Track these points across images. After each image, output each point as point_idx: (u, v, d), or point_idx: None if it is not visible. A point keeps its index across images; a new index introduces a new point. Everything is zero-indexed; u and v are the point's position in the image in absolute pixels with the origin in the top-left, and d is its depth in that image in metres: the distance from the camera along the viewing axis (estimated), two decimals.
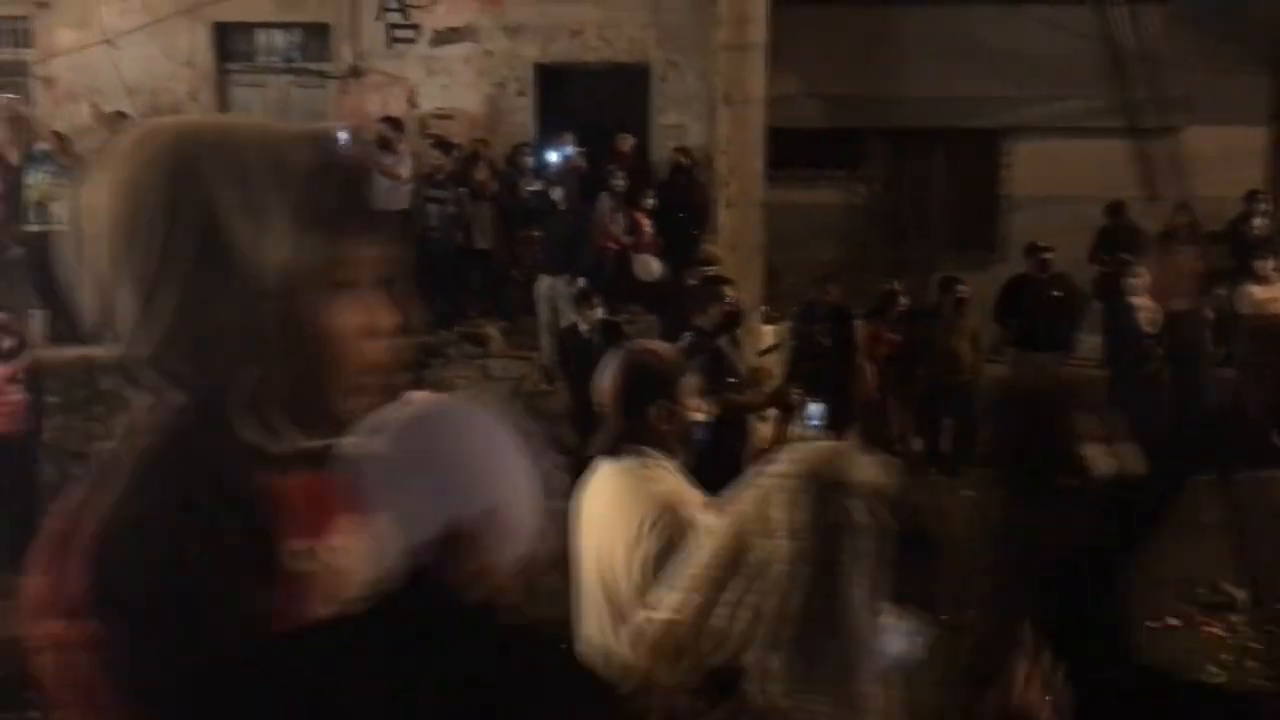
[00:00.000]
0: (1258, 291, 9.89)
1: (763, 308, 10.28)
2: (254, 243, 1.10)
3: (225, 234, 1.10)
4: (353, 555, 1.14)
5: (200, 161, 1.11)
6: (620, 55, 11.78)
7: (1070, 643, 1.87)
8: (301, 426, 1.13)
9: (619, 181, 11.07)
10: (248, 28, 11.68)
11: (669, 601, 1.83)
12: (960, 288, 10.15)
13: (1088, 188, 12.03)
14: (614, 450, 2.68)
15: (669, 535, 2.45)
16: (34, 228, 10.43)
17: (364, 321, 1.17)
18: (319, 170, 1.14)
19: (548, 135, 11.40)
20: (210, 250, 1.10)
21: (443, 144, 11.16)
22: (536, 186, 11.02)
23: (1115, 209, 11.70)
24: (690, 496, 2.58)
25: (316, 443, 1.15)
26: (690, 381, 2.81)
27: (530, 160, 11.26)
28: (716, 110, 11.37)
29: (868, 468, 1.71)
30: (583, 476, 2.75)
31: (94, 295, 1.13)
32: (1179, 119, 12.21)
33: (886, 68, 12.51)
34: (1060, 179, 12.56)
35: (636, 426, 2.66)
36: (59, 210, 10.44)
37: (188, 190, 1.10)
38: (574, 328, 9.81)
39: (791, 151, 11.59)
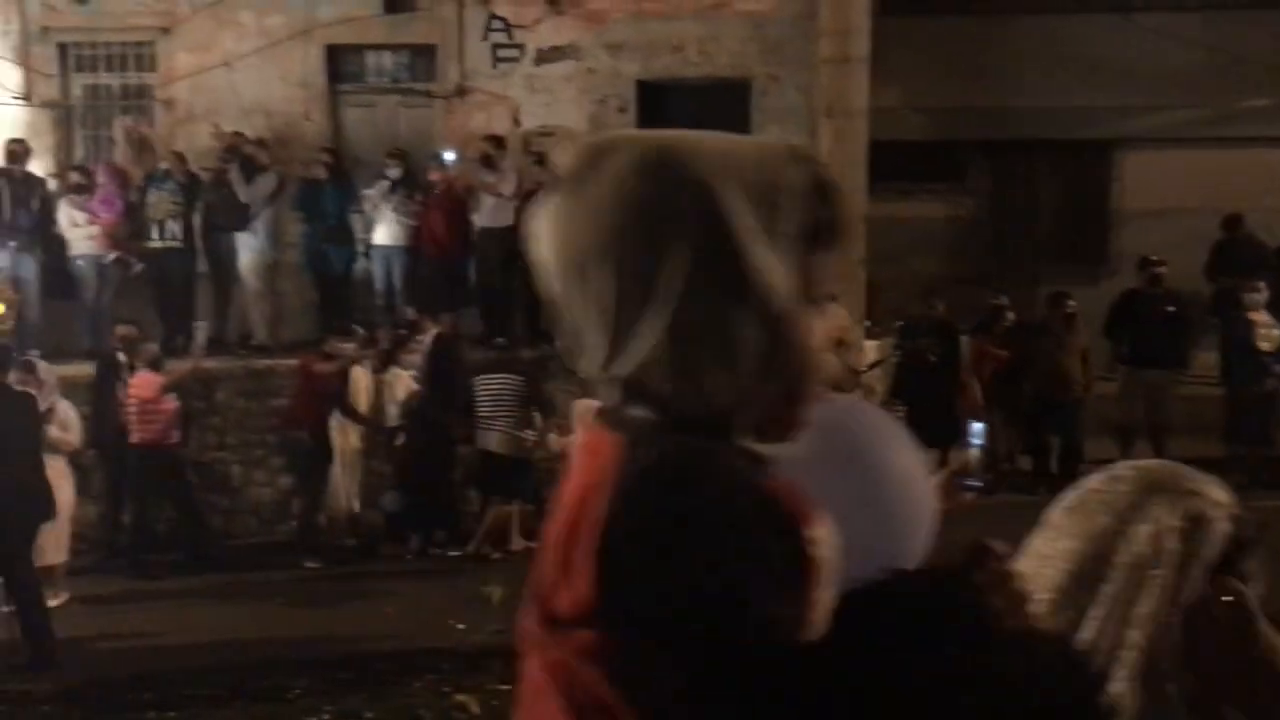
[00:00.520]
0: None
1: (865, 322, 10.19)
2: (759, 260, 1.08)
3: (731, 252, 1.08)
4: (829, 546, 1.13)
5: (692, 178, 1.09)
6: (721, 70, 11.80)
7: None
8: (764, 435, 1.13)
9: None
10: (358, 50, 11.99)
11: None
12: (1069, 303, 9.94)
13: (1202, 200, 11.68)
14: None
15: None
16: (155, 244, 10.84)
17: (828, 333, 1.20)
18: (807, 185, 1.12)
19: None
20: (714, 268, 1.08)
21: (545, 161, 11.29)
22: None
23: (1232, 222, 11.34)
24: None
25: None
26: None
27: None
28: (818, 124, 11.34)
29: (1211, 483, 1.62)
30: None
31: (557, 317, 1.13)
32: None
33: (991, 79, 12.33)
34: (1173, 191, 12.21)
35: None
36: (177, 228, 10.85)
37: (686, 208, 1.08)
38: None
39: (894, 165, 11.47)
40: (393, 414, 9.42)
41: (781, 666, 1.01)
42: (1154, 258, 10.36)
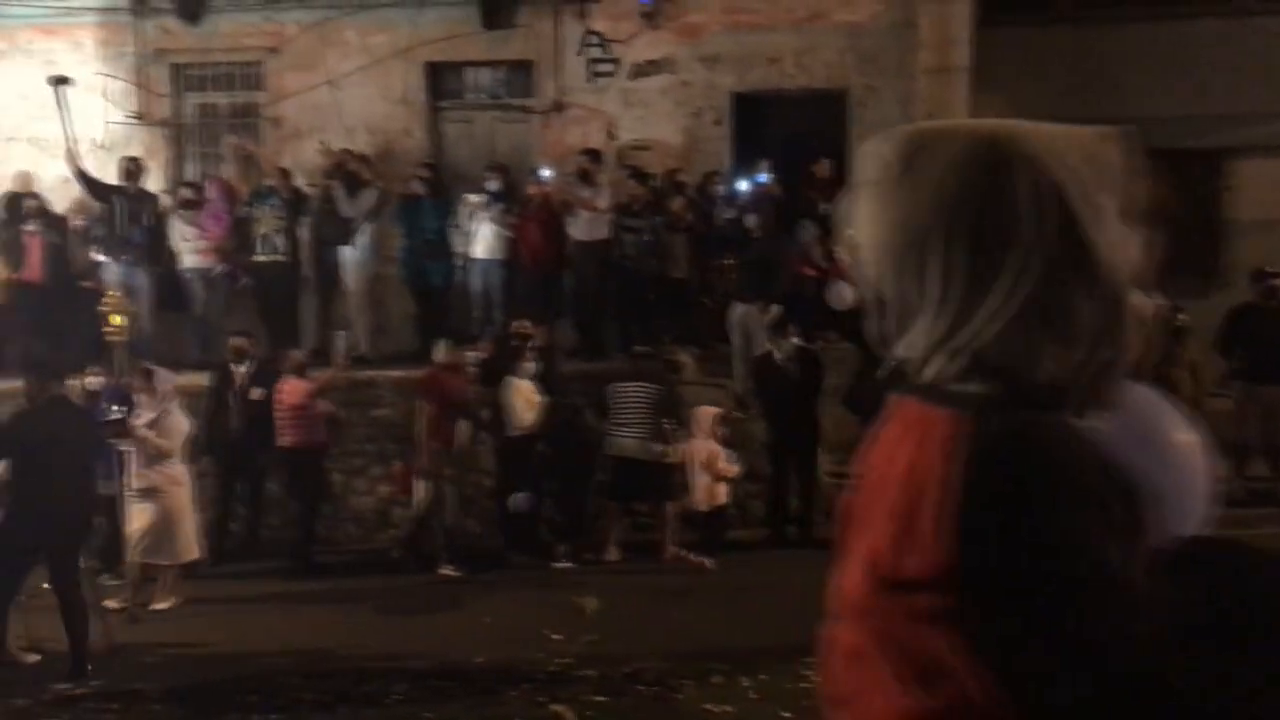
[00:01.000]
0: None
1: None
2: (1101, 238, 1.15)
3: (1075, 231, 1.15)
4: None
5: (1030, 161, 1.16)
6: (818, 82, 11.74)
7: None
8: (1082, 410, 1.19)
9: (818, 208, 10.99)
10: (457, 67, 12.20)
11: None
12: (1180, 316, 9.63)
13: None
14: None
15: None
16: (260, 258, 11.14)
17: (1145, 311, 1.27)
18: (1127, 165, 1.20)
19: (744, 163, 11.45)
20: (1060, 247, 1.14)
21: (639, 174, 11.35)
22: (731, 215, 11.07)
23: None
24: None
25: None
26: None
27: (725, 188, 11.33)
28: None
29: None
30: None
31: (878, 299, 1.21)
32: None
33: (1098, 87, 12.02)
34: None
35: None
36: (282, 242, 11.13)
37: (1028, 190, 1.15)
38: (769, 355, 9.79)
39: None
40: (520, 423, 9.47)
41: (1122, 616, 1.07)
42: (1270, 270, 10.00)
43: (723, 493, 9.29)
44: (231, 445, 9.50)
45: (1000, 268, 1.14)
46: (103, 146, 11.91)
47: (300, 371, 9.31)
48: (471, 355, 9.62)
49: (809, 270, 10.91)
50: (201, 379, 9.73)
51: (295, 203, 11.25)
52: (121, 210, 11.07)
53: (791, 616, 7.65)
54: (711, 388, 10.12)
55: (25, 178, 11.85)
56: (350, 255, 11.22)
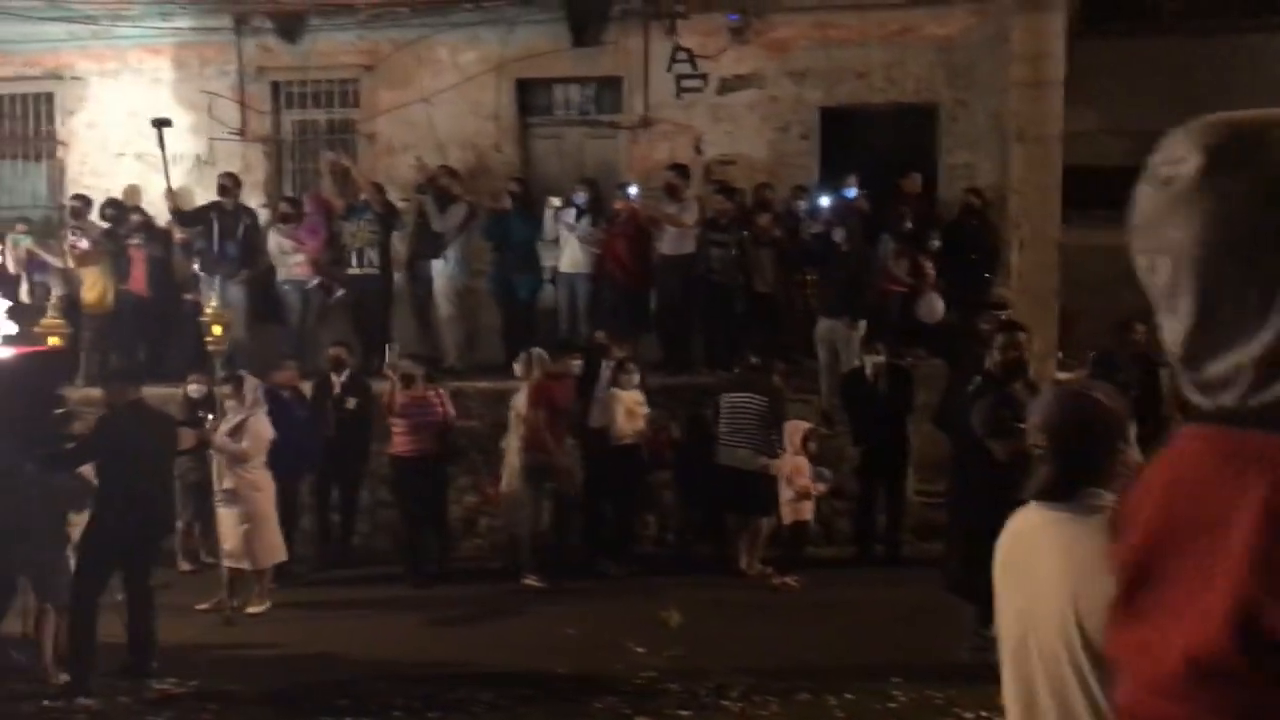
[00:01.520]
0: None
1: (1058, 354, 9.83)
2: None
3: None
4: None
5: None
6: (907, 96, 11.65)
7: None
8: None
9: (904, 223, 10.91)
10: (547, 83, 12.36)
11: None
12: None
13: None
14: (1059, 495, 2.48)
15: None
16: (354, 271, 11.38)
17: None
18: None
19: (831, 178, 11.40)
20: None
21: (726, 189, 11.36)
22: (817, 229, 11.02)
23: None
24: None
25: None
26: (1134, 426, 2.66)
27: (812, 203, 11.29)
28: (1009, 149, 11.04)
29: None
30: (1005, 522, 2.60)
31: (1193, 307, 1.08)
32: None
33: (1195, 100, 11.56)
34: None
35: (1091, 469, 2.47)
36: (375, 256, 11.36)
37: None
38: (858, 371, 9.71)
39: (1091, 191, 11.02)
40: (620, 434, 9.51)
41: None
42: None
43: (807, 509, 9.24)
44: (327, 453, 9.70)
45: None
46: (206, 162, 12.29)
47: (413, 382, 9.48)
48: (576, 365, 9.68)
49: (896, 285, 10.82)
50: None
51: (388, 217, 11.47)
52: (217, 225, 11.42)
53: (878, 636, 7.64)
54: (797, 403, 10.08)
55: (132, 192, 12.30)
56: (440, 269, 11.41)
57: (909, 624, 7.79)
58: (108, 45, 12.50)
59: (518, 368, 9.50)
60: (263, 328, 11.60)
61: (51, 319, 10.39)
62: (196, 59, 12.49)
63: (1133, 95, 11.56)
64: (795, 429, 9.34)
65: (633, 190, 11.29)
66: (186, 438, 7.96)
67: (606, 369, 9.58)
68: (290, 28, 12.30)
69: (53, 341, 10.11)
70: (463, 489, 10.41)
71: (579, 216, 11.12)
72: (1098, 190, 11.46)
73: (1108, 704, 2.17)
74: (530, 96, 12.37)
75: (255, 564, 8.58)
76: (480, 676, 7.07)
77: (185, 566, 9.72)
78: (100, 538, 6.99)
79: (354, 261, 11.36)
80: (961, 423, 6.71)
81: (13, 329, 7.10)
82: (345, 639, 8.00)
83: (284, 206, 11.78)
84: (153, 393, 10.52)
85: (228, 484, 8.49)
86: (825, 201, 10.98)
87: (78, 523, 7.12)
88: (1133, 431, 2.58)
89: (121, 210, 11.85)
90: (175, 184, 11.68)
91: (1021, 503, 6.82)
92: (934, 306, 10.41)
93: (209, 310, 10.57)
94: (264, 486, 8.61)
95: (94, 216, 11.91)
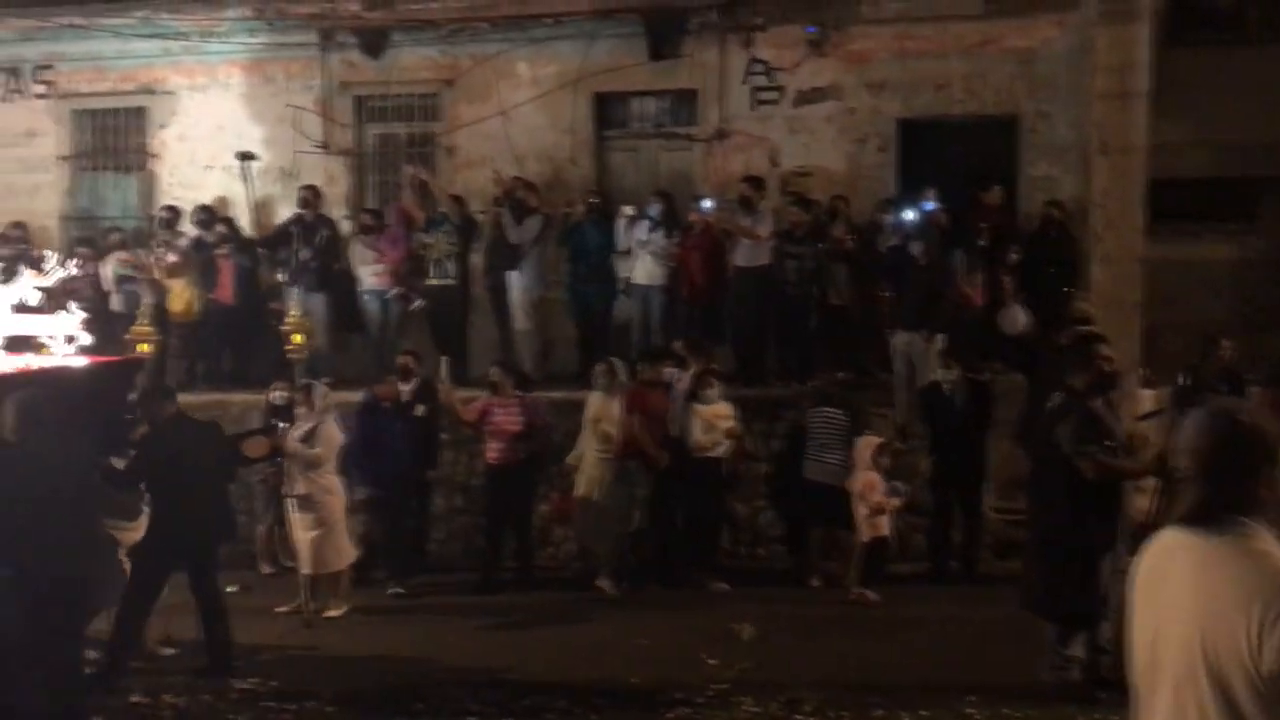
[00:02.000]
0: None
1: (1141, 369, 9.63)
2: None
3: None
4: None
5: None
6: (987, 108, 11.53)
7: None
8: None
9: (982, 236, 10.77)
10: (624, 96, 12.44)
11: None
12: None
13: None
14: (1204, 519, 2.41)
15: None
16: (433, 281, 11.56)
17: None
18: None
19: (909, 190, 11.31)
20: None
21: (802, 201, 11.34)
22: (894, 242, 10.94)
23: None
24: None
25: None
26: None
27: (889, 216, 11.21)
28: (1092, 161, 10.88)
29: None
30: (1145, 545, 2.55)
31: None
32: None
33: None
34: None
35: (1237, 494, 2.39)
36: (453, 267, 11.53)
37: None
38: (936, 385, 9.62)
39: (1177, 203, 10.84)
40: (699, 445, 9.50)
41: None
42: None
43: (883, 524, 9.14)
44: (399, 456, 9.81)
45: None
46: (290, 175, 12.57)
47: (500, 390, 9.58)
48: (669, 373, 9.70)
49: (971, 299, 10.68)
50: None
51: (467, 229, 11.63)
52: (298, 236, 11.69)
53: (954, 653, 7.56)
54: (873, 417, 9.99)
55: (220, 204, 12.63)
56: (516, 280, 11.53)
57: (985, 641, 7.68)
58: (198, 61, 12.87)
59: (599, 378, 9.55)
60: (344, 337, 11.84)
61: (141, 327, 10.75)
62: (283, 74, 12.80)
63: (1218, 107, 11.30)
64: (868, 444, 9.27)
65: (707, 203, 11.32)
66: (260, 445, 8.13)
67: (683, 380, 9.60)
68: (373, 43, 12.55)
69: (142, 349, 10.45)
70: (541, 497, 10.50)
71: (653, 228, 11.17)
72: (1182, 203, 11.28)
73: None
74: (607, 109, 12.46)
75: (326, 567, 8.74)
76: (553, 684, 7.10)
77: (266, 569, 9.94)
78: (153, 547, 7.15)
79: (432, 272, 11.54)
80: (1042, 439, 6.61)
81: (89, 339, 7.28)
82: (421, 643, 8.11)
83: (365, 218, 12.02)
84: (237, 399, 10.90)
85: (300, 489, 8.66)
86: (909, 215, 10.89)
87: (132, 528, 7.28)
88: None
89: (211, 217, 12.19)
90: (259, 197, 12.05)
91: (1109, 521, 6.65)
92: (1016, 317, 10.28)
93: (290, 319, 10.87)
94: (335, 491, 8.77)
95: (183, 227, 12.27)
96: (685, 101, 12.31)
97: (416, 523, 10.09)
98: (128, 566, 7.14)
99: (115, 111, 13.37)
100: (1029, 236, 11.09)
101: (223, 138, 12.88)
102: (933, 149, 11.59)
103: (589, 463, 9.53)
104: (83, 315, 7.27)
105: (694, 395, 9.50)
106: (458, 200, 11.79)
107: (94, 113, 13.41)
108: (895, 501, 9.22)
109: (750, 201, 11.12)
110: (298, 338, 10.91)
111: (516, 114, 12.34)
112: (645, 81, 12.20)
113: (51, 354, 6.97)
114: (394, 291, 11.65)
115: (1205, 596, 2.30)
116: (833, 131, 11.83)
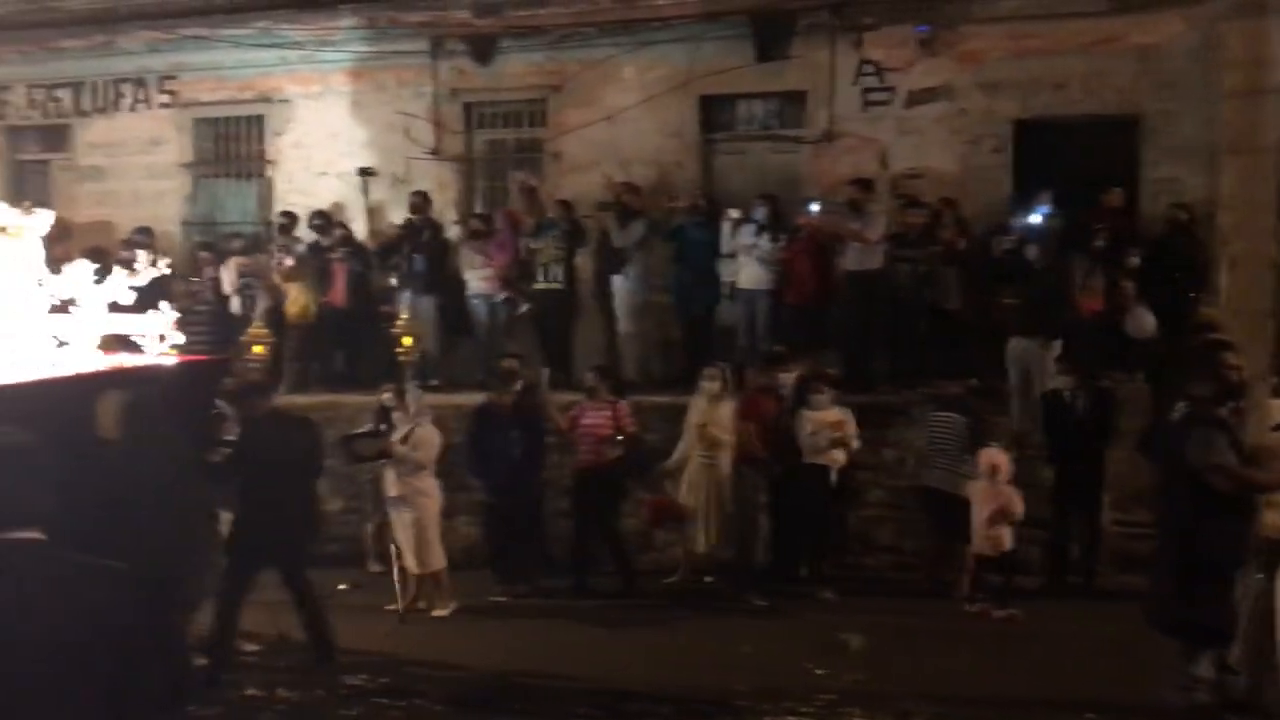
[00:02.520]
0: None
1: (1271, 378, 9.20)
2: None
3: None
4: None
5: None
6: (1108, 107, 11.16)
7: None
8: None
9: (1100, 239, 10.43)
10: (730, 99, 12.36)
11: None
12: None
13: None
14: None
15: None
16: (540, 286, 11.62)
17: None
18: None
19: (1025, 193, 11.01)
20: None
21: (913, 204, 11.12)
22: (1010, 245, 10.66)
23: None
24: None
25: None
26: None
27: (1005, 218, 10.92)
28: (1220, 162, 10.43)
29: None
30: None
31: None
32: None
33: None
34: None
35: None
36: (560, 271, 11.57)
37: None
38: (1057, 394, 9.34)
39: None
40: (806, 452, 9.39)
41: None
42: None
43: (1006, 538, 8.83)
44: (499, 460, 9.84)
45: None
46: (402, 181, 12.78)
47: (594, 394, 9.59)
48: (784, 377, 9.61)
49: (1092, 304, 10.34)
50: (478, 399, 10.19)
51: (574, 233, 11.68)
52: (408, 241, 11.87)
53: (1072, 669, 7.30)
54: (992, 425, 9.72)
55: (335, 209, 12.91)
56: (620, 283, 11.54)
57: (1106, 658, 7.42)
58: (313, 69, 13.18)
59: (706, 382, 9.47)
60: (453, 340, 11.98)
61: (257, 328, 11.04)
62: (394, 81, 13.02)
63: None
64: (988, 455, 9.01)
65: (815, 206, 11.17)
66: (370, 445, 8.25)
67: (790, 385, 9.49)
68: (483, 50, 12.69)
69: (257, 350, 10.71)
70: (640, 502, 10.46)
71: (758, 232, 11.07)
72: None
73: None
74: (713, 112, 12.40)
75: (423, 567, 8.85)
76: (656, 690, 7.06)
77: (375, 568, 10.09)
78: (245, 541, 7.29)
79: (539, 277, 11.61)
80: (1168, 450, 6.33)
81: (181, 339, 7.45)
82: (525, 646, 8.13)
83: (474, 223, 12.15)
84: (350, 400, 11.10)
85: (397, 490, 8.81)
86: (1026, 216, 10.59)
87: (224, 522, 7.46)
88: None
89: (327, 222, 12.46)
90: (373, 202, 12.30)
91: (1241, 535, 6.34)
92: (1143, 321, 9.93)
93: (400, 322, 11.04)
94: (431, 493, 8.87)
95: (299, 232, 12.56)
96: (793, 103, 12.18)
97: (529, 527, 10.09)
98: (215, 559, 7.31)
99: (234, 120, 13.77)
100: (1152, 240, 10.70)
101: (336, 144, 13.17)
102: (1050, 150, 11.25)
103: (692, 468, 9.46)
104: (174, 315, 7.46)
105: (801, 400, 9.36)
106: (565, 205, 11.84)
107: (214, 121, 13.83)
108: (1016, 514, 8.93)
109: (859, 204, 10.95)
110: (407, 340, 11.06)
111: (623, 118, 12.36)
112: (752, 83, 12.10)
113: (145, 352, 7.15)
114: (502, 295, 11.75)
115: None
116: (945, 133, 11.58)
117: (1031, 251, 10.35)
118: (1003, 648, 7.93)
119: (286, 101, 13.43)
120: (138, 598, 2.64)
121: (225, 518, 7.50)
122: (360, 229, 12.66)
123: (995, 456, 8.86)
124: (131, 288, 6.88)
